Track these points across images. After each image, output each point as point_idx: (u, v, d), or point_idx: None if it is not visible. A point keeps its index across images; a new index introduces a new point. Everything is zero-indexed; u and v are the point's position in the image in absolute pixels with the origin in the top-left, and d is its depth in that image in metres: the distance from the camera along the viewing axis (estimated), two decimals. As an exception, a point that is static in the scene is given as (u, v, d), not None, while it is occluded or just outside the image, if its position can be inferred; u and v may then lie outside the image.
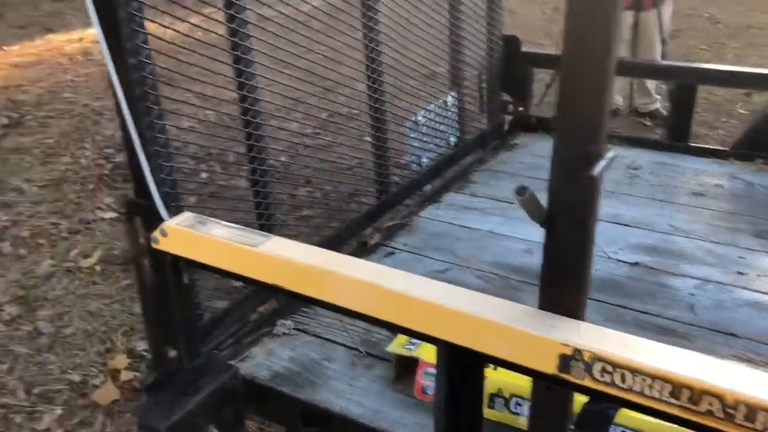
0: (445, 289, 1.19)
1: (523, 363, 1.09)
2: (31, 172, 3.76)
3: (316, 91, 1.99)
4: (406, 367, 1.57)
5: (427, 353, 1.50)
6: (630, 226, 2.25)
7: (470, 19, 2.76)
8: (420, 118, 2.49)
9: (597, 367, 1.02)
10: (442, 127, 2.64)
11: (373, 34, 2.18)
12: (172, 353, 1.60)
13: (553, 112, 3.41)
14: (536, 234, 2.28)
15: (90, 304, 2.72)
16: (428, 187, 2.59)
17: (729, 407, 0.91)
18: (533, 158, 2.86)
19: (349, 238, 2.20)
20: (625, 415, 1.34)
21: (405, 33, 2.29)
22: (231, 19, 1.65)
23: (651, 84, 4.48)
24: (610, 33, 0.94)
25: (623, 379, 1.00)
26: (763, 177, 2.57)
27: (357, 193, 2.46)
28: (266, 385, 1.59)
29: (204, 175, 3.41)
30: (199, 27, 1.62)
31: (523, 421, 1.42)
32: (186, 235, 1.40)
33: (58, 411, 2.22)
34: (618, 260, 2.06)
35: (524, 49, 2.97)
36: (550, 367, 1.05)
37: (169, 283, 1.48)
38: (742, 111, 4.53)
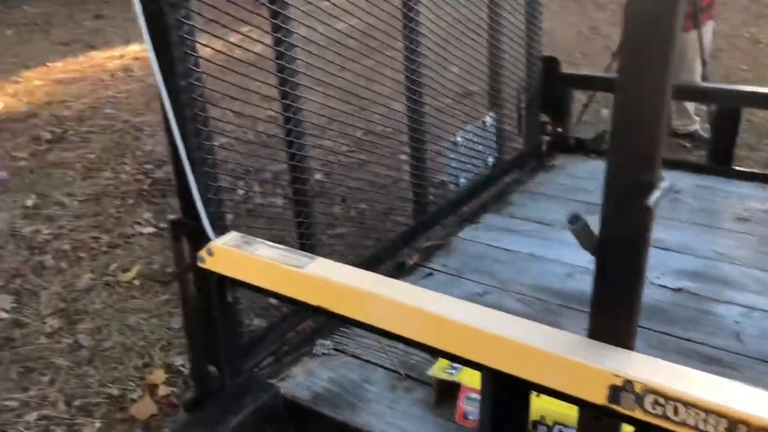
0: (492, 316, 1.18)
1: (571, 392, 1.07)
2: (72, 186, 3.84)
3: (352, 109, 2.01)
4: (447, 391, 1.56)
5: (469, 378, 1.49)
6: (672, 250, 2.21)
7: (510, 40, 2.76)
8: (459, 138, 2.49)
9: (649, 399, 1.00)
10: (480, 148, 2.64)
11: (414, 56, 2.19)
12: (213, 371, 1.61)
13: (590, 133, 3.38)
14: (576, 257, 2.27)
15: (128, 318, 2.76)
16: (465, 208, 2.59)
17: (789, 445, 0.89)
18: (572, 180, 2.84)
19: (387, 258, 2.20)
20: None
21: (443, 52, 2.30)
22: (279, 41, 1.67)
23: (690, 105, 4.43)
24: (667, 57, 0.92)
25: (676, 412, 0.98)
26: (810, 203, 2.52)
27: (392, 212, 2.46)
28: (307, 406, 1.59)
29: (241, 192, 3.45)
30: (237, 45, 1.65)
31: (566, 450, 1.40)
32: (232, 254, 1.41)
33: (97, 424, 2.25)
34: (660, 285, 2.03)
35: (563, 69, 2.96)
36: (599, 397, 1.04)
37: (214, 302, 1.50)
38: (784, 133, 4.45)
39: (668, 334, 1.81)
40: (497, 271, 2.16)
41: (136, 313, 2.79)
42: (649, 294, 1.99)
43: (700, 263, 2.15)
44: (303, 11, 1.75)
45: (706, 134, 4.38)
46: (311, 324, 1.89)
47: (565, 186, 2.78)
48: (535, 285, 2.08)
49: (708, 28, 4.24)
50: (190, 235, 1.52)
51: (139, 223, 3.45)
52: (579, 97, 4.01)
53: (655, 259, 2.23)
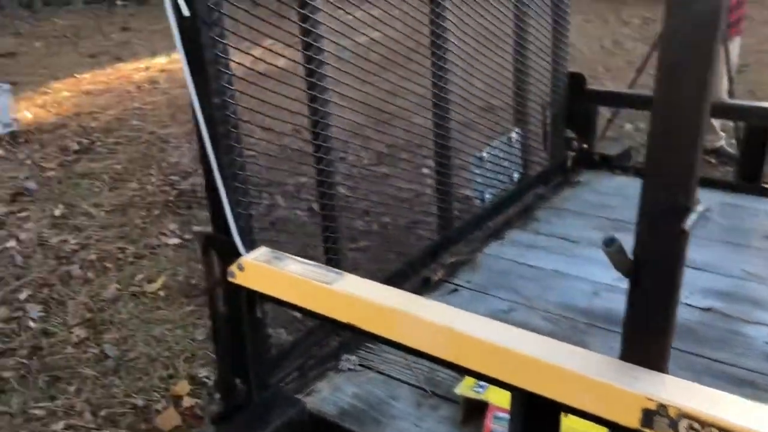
0: (524, 336, 1.18)
1: (603, 415, 1.06)
2: (100, 196, 3.90)
3: (375, 122, 2.02)
4: (474, 409, 1.56)
5: (497, 397, 1.49)
6: (700, 269, 2.19)
7: (535, 55, 2.76)
8: (485, 154, 2.50)
9: (683, 424, 0.99)
10: (506, 163, 2.64)
11: (442, 71, 2.20)
12: (241, 385, 1.62)
13: (615, 149, 3.36)
14: (602, 275, 2.25)
15: (154, 328, 2.78)
16: (490, 223, 2.59)
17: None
18: (597, 196, 2.82)
19: (412, 273, 2.20)
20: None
21: (469, 66, 2.31)
22: (309, 59, 1.69)
23: (716, 121, 4.39)
24: (705, 75, 0.92)
25: (711, 438, 0.97)
26: (842, 222, 2.48)
27: (415, 226, 2.47)
28: (333, 422, 1.59)
29: (265, 203, 3.47)
30: (258, 59, 1.66)
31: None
32: (263, 270, 1.42)
33: (123, 434, 2.27)
34: (688, 305, 2.01)
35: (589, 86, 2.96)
36: (632, 421, 1.03)
37: (243, 317, 1.51)
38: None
39: (697, 355, 1.79)
40: (522, 288, 2.15)
41: (161, 323, 2.82)
42: (677, 313, 1.97)
43: (728, 282, 2.13)
44: (330, 27, 1.77)
45: (732, 150, 4.34)
46: (337, 339, 1.89)
47: (591, 202, 2.77)
48: (561, 303, 2.06)
49: (735, 44, 4.21)
50: (220, 249, 1.53)
51: (164, 234, 3.49)
52: (603, 112, 4.00)
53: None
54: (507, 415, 1.24)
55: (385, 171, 2.61)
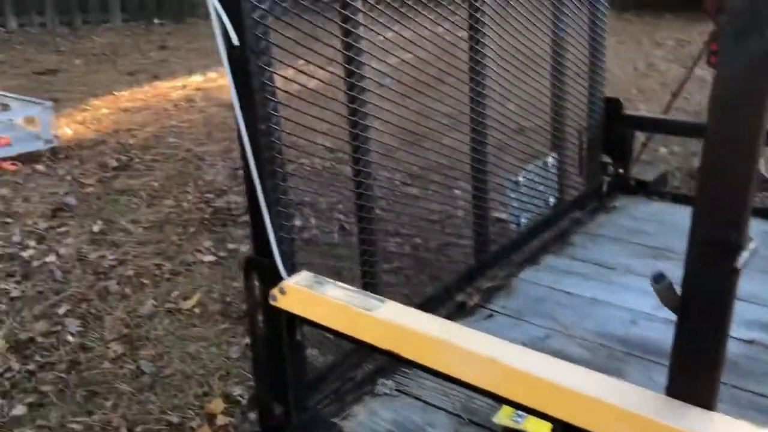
0: (567, 368, 1.17)
1: (650, 452, 1.05)
2: (137, 213, 3.97)
3: (407, 142, 2.03)
4: (512, 438, 1.55)
5: (535, 427, 1.48)
6: (744, 300, 2.15)
7: (572, 80, 2.77)
8: (521, 178, 2.50)
9: (733, 464, 0.98)
10: (541, 188, 2.64)
11: (480, 98, 2.21)
12: (279, 408, 1.63)
13: (651, 174, 3.33)
14: (640, 303, 2.23)
15: (189, 346, 2.81)
16: (526, 248, 2.58)
17: None
18: (633, 222, 2.80)
19: (447, 297, 2.20)
20: None
21: (502, 89, 2.32)
22: (351, 86, 1.72)
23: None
24: (762, 105, 0.90)
25: (762, 480, 0.96)
26: None
27: (448, 248, 2.47)
28: (370, 447, 1.60)
29: (298, 222, 3.50)
30: (289, 80, 1.68)
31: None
32: (304, 294, 1.44)
33: (158, 451, 2.30)
34: (732, 337, 1.97)
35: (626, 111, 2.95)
36: (680, 459, 1.02)
37: (284, 340, 1.52)
38: None
39: (741, 389, 1.76)
40: (559, 315, 2.14)
41: (196, 341, 2.85)
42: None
43: (771, 314, 2.09)
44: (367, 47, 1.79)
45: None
46: (373, 362, 1.89)
47: (627, 228, 2.75)
48: (598, 331, 2.05)
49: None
50: (261, 272, 1.55)
51: (199, 251, 3.54)
52: (637, 135, 3.97)
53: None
54: (547, 447, 1.24)
55: (416, 192, 2.61)
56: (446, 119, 2.19)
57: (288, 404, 1.60)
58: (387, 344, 1.33)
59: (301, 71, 1.63)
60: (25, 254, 3.48)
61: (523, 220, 2.54)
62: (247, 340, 2.80)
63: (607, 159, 2.98)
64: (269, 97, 1.47)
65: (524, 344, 1.74)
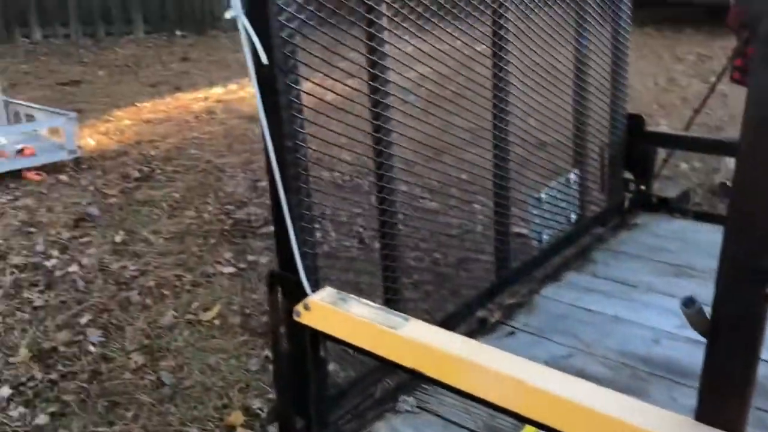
0: (594, 390, 1.17)
1: (678, 477, 1.04)
2: (158, 224, 4.00)
3: (426, 158, 2.04)
4: (535, 458, 1.54)
5: (559, 447, 1.47)
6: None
7: (595, 96, 2.76)
8: (543, 195, 2.49)
9: (763, 492, 0.97)
10: (563, 204, 2.63)
11: (503, 114, 2.22)
12: (300, 422, 1.63)
13: (674, 191, 3.31)
14: (662, 322, 2.21)
15: (209, 357, 2.82)
16: (547, 265, 2.57)
17: None
18: (655, 239, 2.78)
19: (468, 313, 2.20)
20: None
21: (524, 104, 2.32)
22: (375, 90, 1.73)
23: None
24: None
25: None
26: None
27: (468, 263, 2.46)
28: (392, 464, 1.59)
29: (317, 234, 3.51)
30: (307, 94, 1.69)
31: None
32: (328, 311, 1.45)
33: (178, 463, 2.30)
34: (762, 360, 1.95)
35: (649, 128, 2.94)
36: (709, 485, 1.01)
37: (307, 356, 1.53)
38: None
39: (766, 411, 1.74)
40: (581, 333, 2.13)
41: (215, 352, 2.86)
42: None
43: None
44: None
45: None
46: (394, 379, 1.89)
47: (648, 245, 2.73)
48: (620, 350, 2.03)
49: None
50: (285, 287, 1.56)
51: (219, 263, 3.56)
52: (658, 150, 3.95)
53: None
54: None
55: (435, 206, 2.62)
56: (466, 134, 2.19)
57: (309, 419, 1.61)
58: (411, 363, 1.33)
59: (320, 86, 1.64)
60: (49, 264, 3.53)
61: (545, 237, 2.54)
62: (267, 352, 2.81)
63: (628, 175, 2.97)
64: (296, 114, 1.49)
65: (546, 362, 1.74)
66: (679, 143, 3.25)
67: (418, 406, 1.80)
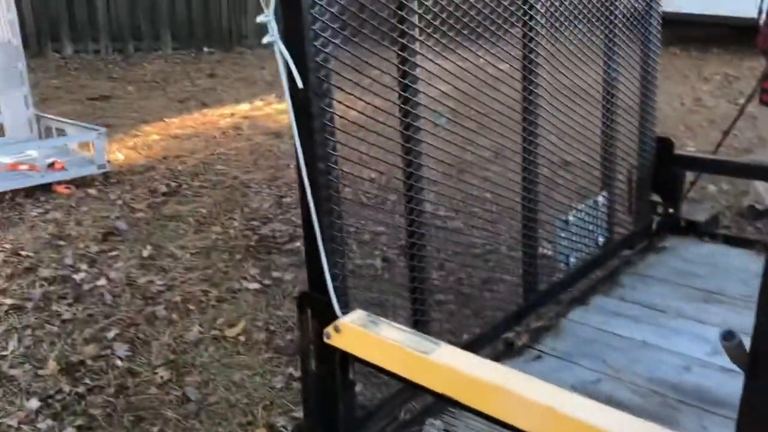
0: (624, 418, 1.16)
1: None
2: (185, 239, 4.04)
3: (451, 177, 2.04)
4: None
5: (589, 476, 1.45)
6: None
7: (622, 118, 2.75)
8: (571, 217, 2.48)
9: None
10: (591, 227, 2.62)
11: (532, 137, 2.22)
12: (328, 444, 1.64)
13: (703, 215, 3.27)
14: (692, 348, 2.18)
15: (234, 374, 2.84)
16: (574, 288, 2.55)
17: None
18: (683, 263, 2.75)
19: (494, 336, 2.19)
20: None
21: (550, 125, 2.32)
22: (407, 126, 1.75)
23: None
24: None
25: None
26: None
27: (492, 283, 2.45)
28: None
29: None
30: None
31: None
32: (359, 333, 1.45)
33: (202, 480, 2.31)
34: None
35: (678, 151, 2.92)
36: None
37: (337, 378, 1.53)
38: None
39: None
40: (609, 358, 2.11)
41: (240, 369, 2.87)
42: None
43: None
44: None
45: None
46: (422, 402, 1.89)
47: (677, 270, 2.71)
48: (649, 377, 2.01)
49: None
50: (315, 308, 1.57)
51: (245, 279, 3.58)
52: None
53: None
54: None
55: (459, 225, 2.61)
56: (490, 153, 2.19)
57: (337, 441, 1.61)
58: (442, 388, 1.33)
59: (352, 108, 1.66)
60: (77, 277, 3.57)
61: (572, 260, 2.52)
62: (291, 370, 2.82)
63: (657, 198, 2.95)
64: (329, 137, 1.51)
65: (574, 387, 1.73)
66: (708, 166, 3.23)
67: (445, 430, 1.79)
